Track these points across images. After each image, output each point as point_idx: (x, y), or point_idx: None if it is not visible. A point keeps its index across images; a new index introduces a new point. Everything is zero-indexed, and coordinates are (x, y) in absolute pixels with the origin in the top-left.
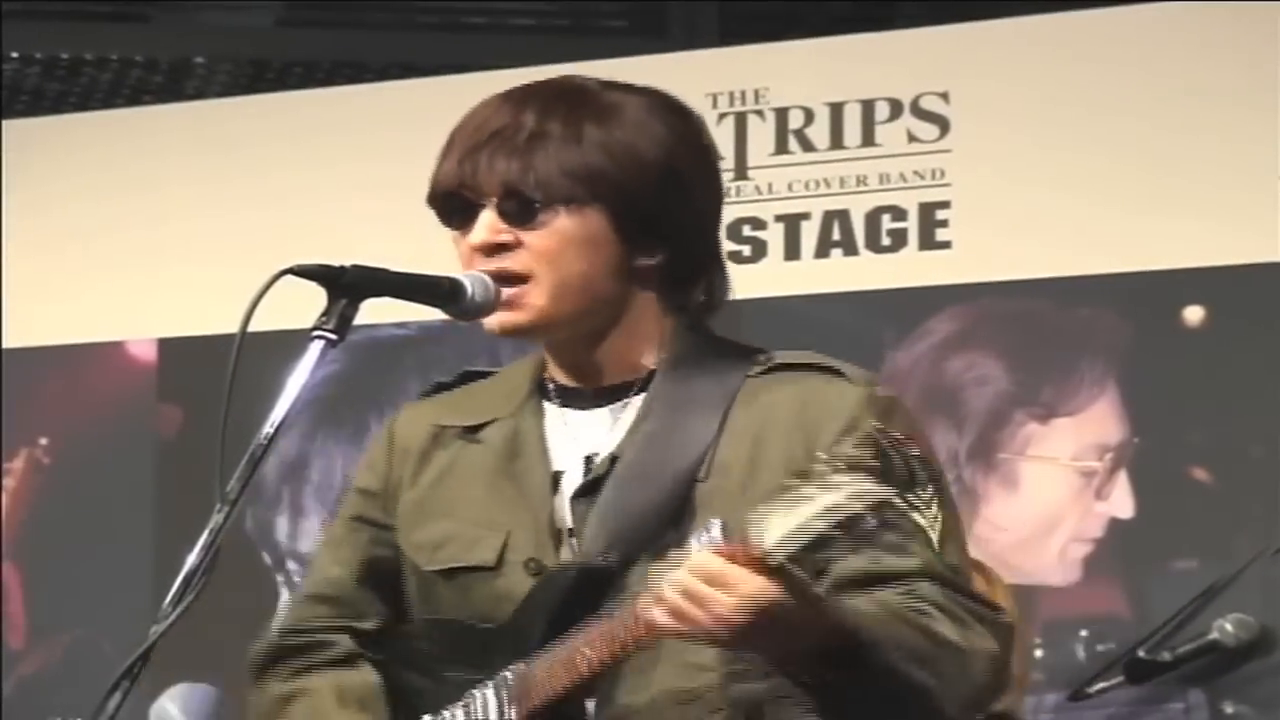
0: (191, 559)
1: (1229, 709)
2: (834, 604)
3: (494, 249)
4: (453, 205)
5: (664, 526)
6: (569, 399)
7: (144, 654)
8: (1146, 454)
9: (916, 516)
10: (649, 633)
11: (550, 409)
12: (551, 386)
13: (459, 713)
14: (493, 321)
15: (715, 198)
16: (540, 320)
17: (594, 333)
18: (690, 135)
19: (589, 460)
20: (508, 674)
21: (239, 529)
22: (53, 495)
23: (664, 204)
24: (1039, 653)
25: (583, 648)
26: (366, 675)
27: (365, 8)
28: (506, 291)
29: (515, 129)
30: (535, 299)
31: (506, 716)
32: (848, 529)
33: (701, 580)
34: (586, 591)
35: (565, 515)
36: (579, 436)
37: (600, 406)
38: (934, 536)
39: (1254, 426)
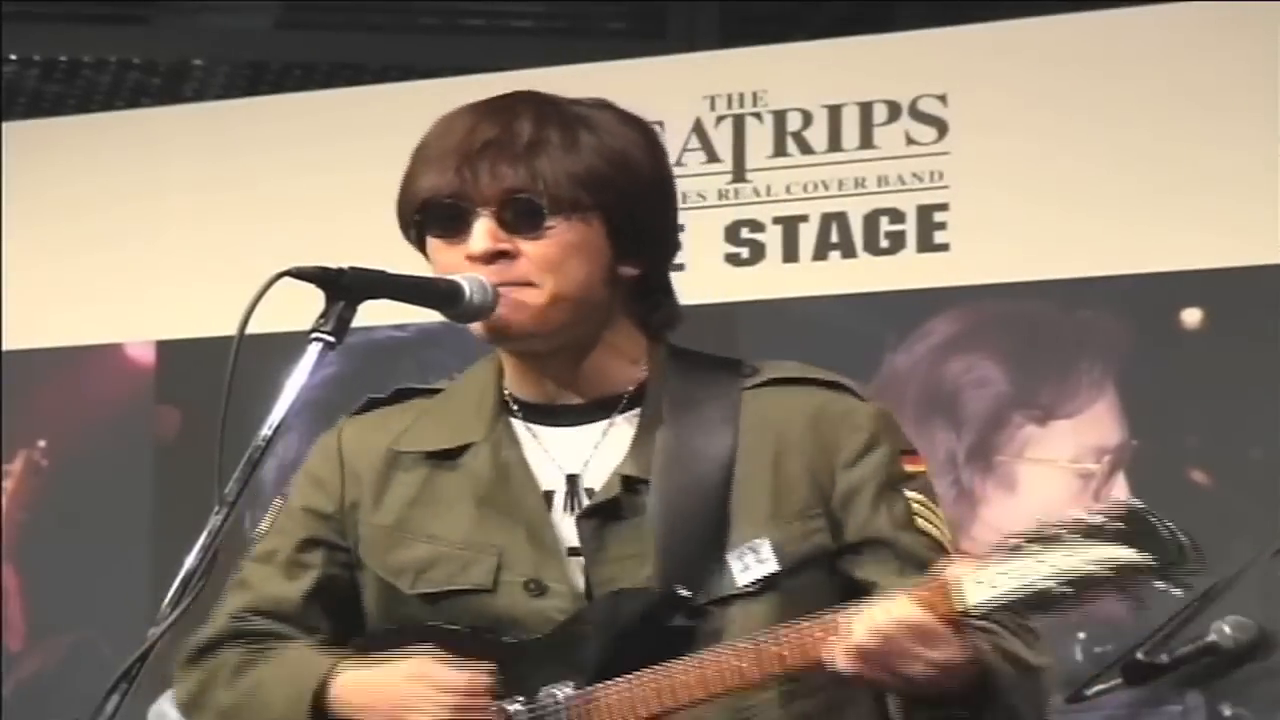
0: (190, 561)
1: (1227, 711)
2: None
3: (494, 257)
4: (445, 214)
5: (707, 546)
6: (535, 415)
7: (142, 656)
8: (1145, 456)
9: (929, 528)
10: (808, 666)
11: (519, 426)
12: (514, 403)
13: None
14: (486, 327)
15: (675, 218)
16: (539, 327)
17: (579, 345)
18: (661, 148)
19: (572, 479)
20: (556, 693)
21: (237, 531)
22: (51, 497)
23: (653, 214)
24: None
25: (686, 678)
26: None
27: (364, 9)
28: (506, 295)
29: (512, 137)
30: (536, 304)
31: None
32: (1084, 594)
33: (905, 634)
34: (656, 619)
35: (567, 534)
36: (555, 454)
37: (581, 424)
38: (949, 548)
39: (1252, 429)
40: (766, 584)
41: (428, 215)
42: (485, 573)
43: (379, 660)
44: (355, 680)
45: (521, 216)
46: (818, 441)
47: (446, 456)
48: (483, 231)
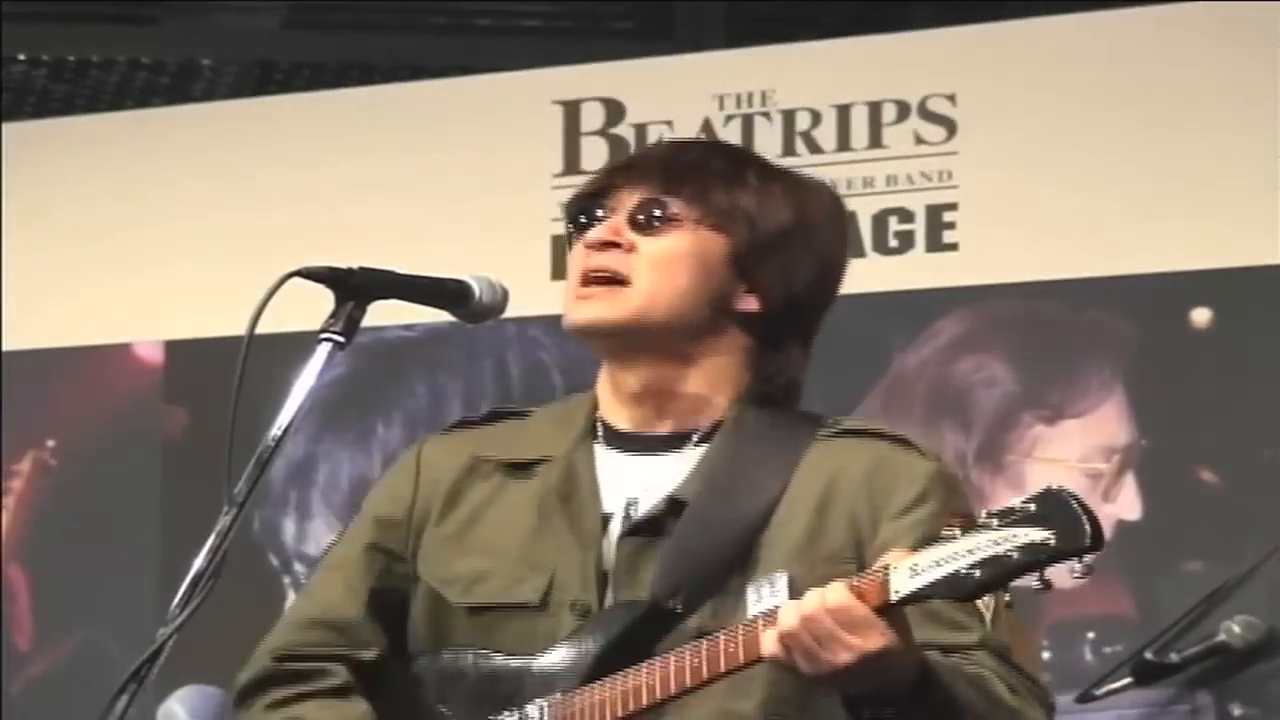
0: (199, 561)
1: (1236, 711)
2: (920, 650)
3: (606, 245)
4: (588, 211)
5: (727, 573)
6: (618, 442)
7: (151, 656)
8: (1153, 456)
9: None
10: (751, 660)
11: (599, 451)
12: (602, 430)
13: None
14: (579, 316)
15: (831, 278)
16: (629, 321)
17: (673, 364)
18: (837, 216)
19: (630, 504)
20: (543, 703)
21: (246, 531)
22: (60, 497)
23: (785, 254)
24: (1046, 654)
25: (649, 679)
26: (361, 708)
27: (372, 9)
28: (600, 289)
29: (679, 155)
30: (630, 299)
31: None
32: (997, 576)
33: (830, 618)
34: (645, 631)
35: (609, 557)
36: (625, 480)
37: (657, 453)
38: (988, 617)
39: (1261, 428)
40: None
41: (574, 211)
42: (534, 590)
43: None
44: None
45: (647, 217)
46: (869, 491)
47: (521, 469)
48: (608, 224)
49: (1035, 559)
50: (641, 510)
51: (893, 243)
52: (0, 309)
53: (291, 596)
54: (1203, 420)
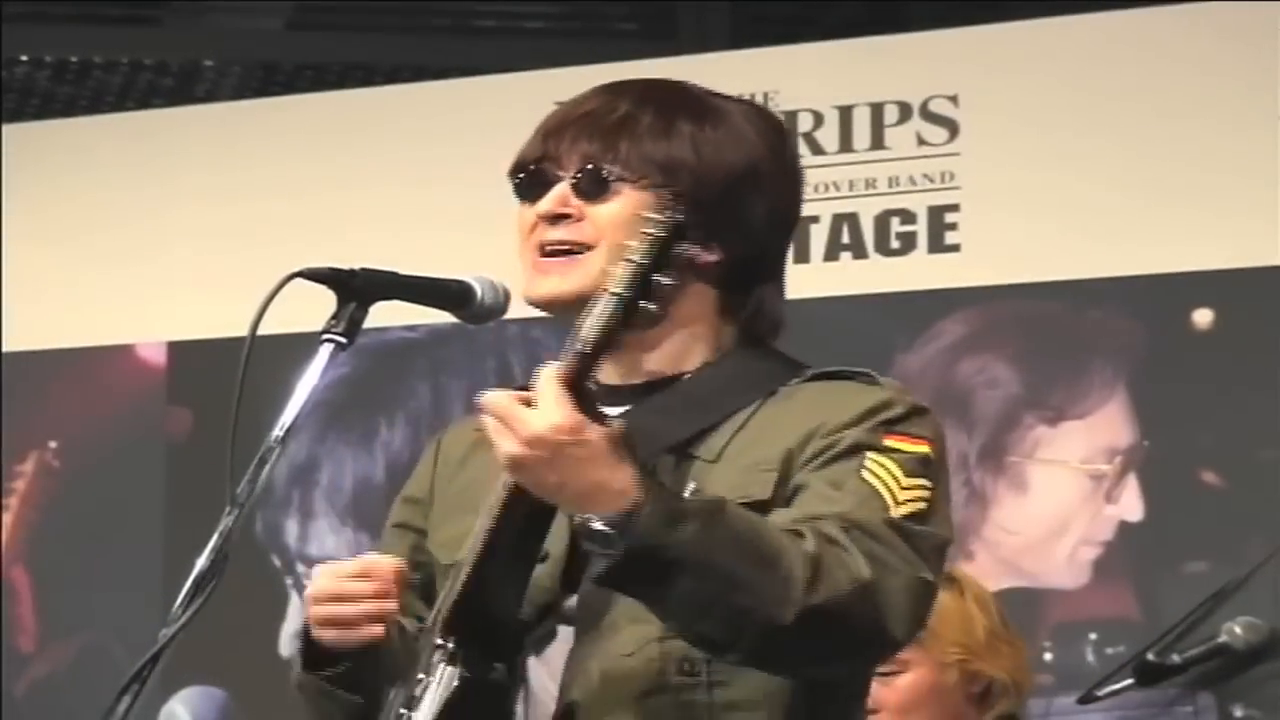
0: (201, 562)
1: (1238, 712)
2: (642, 467)
3: (558, 218)
4: (531, 179)
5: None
6: (612, 398)
7: (153, 657)
8: (1156, 457)
9: (871, 479)
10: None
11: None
12: (595, 386)
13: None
14: (541, 290)
15: (788, 212)
16: (591, 290)
17: (643, 326)
18: (780, 147)
19: None
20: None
21: (248, 532)
22: (63, 498)
23: (736, 202)
24: (1049, 655)
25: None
26: None
27: (375, 10)
28: (559, 260)
29: (607, 112)
30: (590, 268)
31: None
32: (639, 272)
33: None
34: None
35: None
36: None
37: (640, 399)
38: (889, 502)
39: (1263, 429)
40: None
41: (515, 178)
42: None
43: None
44: None
45: (591, 184)
46: (815, 411)
47: None
48: (554, 194)
49: (650, 247)
50: None
51: (895, 244)
52: (3, 310)
53: (294, 597)
54: (1205, 421)
